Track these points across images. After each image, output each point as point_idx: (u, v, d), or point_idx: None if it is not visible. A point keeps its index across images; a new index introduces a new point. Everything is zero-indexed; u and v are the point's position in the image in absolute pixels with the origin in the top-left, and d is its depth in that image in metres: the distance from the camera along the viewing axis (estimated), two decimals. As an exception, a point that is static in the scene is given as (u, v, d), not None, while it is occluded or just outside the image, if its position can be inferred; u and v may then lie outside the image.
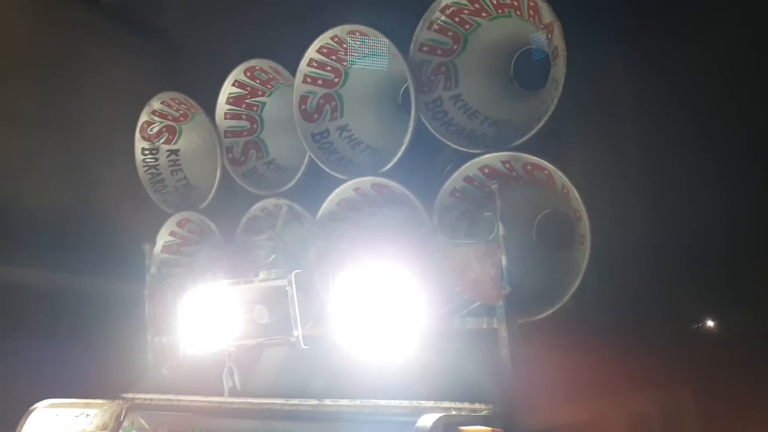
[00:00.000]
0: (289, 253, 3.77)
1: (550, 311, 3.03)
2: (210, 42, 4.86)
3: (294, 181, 3.88)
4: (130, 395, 4.04)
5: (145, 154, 4.56)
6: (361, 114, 3.82)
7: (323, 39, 3.56)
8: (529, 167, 3.12)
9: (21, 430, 3.66)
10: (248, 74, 4.02)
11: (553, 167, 3.03)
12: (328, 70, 3.69)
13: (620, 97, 3.09)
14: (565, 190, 3.05)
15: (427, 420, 2.61)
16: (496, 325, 2.99)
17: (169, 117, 4.47)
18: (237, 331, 3.62)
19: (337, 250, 3.62)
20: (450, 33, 3.36)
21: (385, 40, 3.35)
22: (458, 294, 3.11)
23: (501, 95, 3.51)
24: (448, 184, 3.31)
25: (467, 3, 3.24)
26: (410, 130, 3.35)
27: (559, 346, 2.98)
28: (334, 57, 3.64)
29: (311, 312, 3.46)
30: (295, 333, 3.35)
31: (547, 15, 3.00)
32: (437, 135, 3.34)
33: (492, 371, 2.93)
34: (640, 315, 3.03)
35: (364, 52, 3.58)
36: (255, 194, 4.10)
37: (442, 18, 3.31)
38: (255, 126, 4.22)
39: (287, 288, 3.35)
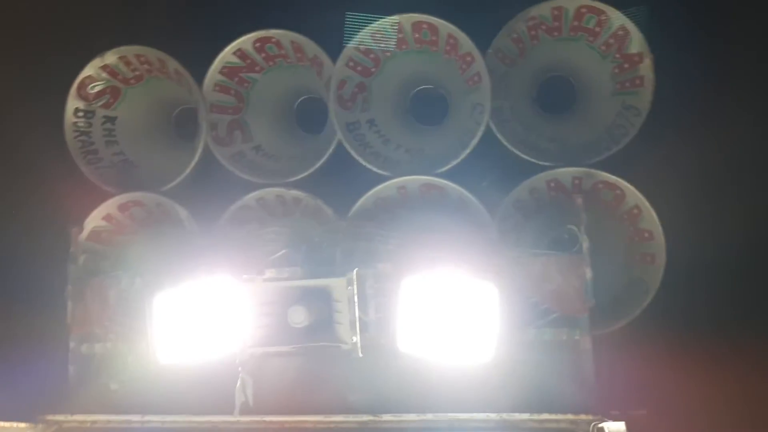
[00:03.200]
0: (303, 249, 3.31)
1: (618, 326, 3.14)
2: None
3: (312, 171, 3.45)
4: (60, 417, 3.14)
5: (78, 116, 3.67)
6: (386, 110, 3.59)
7: (382, 24, 3.30)
8: (600, 185, 3.22)
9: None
10: (257, 45, 3.51)
11: (629, 186, 3.17)
12: (371, 58, 3.41)
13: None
14: (636, 211, 3.21)
15: (616, 427, 2.51)
16: (577, 337, 2.99)
17: (119, 76, 3.66)
18: (253, 335, 3.06)
19: (365, 250, 3.31)
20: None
21: (455, 31, 3.22)
22: (534, 304, 3.05)
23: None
24: (513, 194, 3.27)
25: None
26: (479, 134, 3.25)
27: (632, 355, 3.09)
28: (383, 44, 3.38)
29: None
30: (354, 339, 2.94)
31: (637, 45, 3.18)
32: (506, 143, 3.29)
33: (580, 382, 2.91)
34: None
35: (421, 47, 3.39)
36: (235, 181, 3.57)
37: None
38: (241, 104, 3.68)
39: (348, 287, 2.95)
